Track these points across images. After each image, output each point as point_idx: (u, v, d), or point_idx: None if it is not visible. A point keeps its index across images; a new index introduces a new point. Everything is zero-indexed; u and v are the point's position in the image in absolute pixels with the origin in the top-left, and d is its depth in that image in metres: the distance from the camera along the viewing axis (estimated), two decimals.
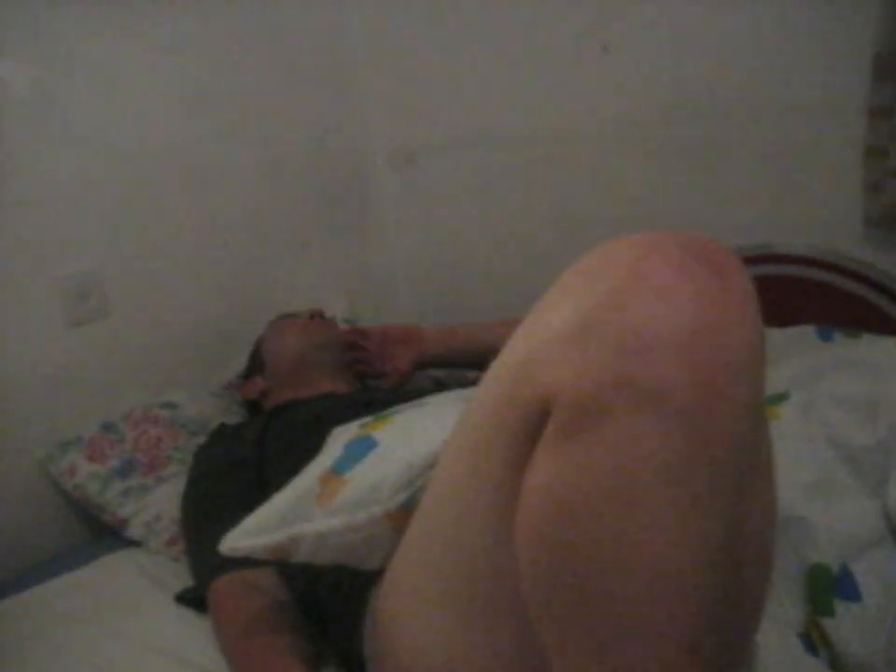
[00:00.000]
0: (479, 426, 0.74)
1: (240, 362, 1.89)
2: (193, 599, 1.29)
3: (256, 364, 1.75)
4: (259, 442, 1.42)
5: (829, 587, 0.86)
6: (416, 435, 0.98)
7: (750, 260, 1.67)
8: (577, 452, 0.62)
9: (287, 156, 2.05)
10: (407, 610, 0.87)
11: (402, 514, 0.91)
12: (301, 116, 2.07)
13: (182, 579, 1.39)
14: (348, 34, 2.14)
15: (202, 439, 1.64)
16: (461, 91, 2.04)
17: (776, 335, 1.41)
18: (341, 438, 1.04)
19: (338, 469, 0.97)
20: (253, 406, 1.74)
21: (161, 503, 1.54)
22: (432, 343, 1.75)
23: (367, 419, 1.08)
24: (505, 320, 1.65)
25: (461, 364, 1.76)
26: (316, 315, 1.74)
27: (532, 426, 0.66)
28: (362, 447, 0.99)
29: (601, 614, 0.63)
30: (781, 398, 1.07)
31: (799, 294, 1.64)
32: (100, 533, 1.63)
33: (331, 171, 2.16)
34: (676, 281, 0.61)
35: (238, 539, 0.99)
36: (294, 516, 0.96)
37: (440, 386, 1.77)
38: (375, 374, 1.76)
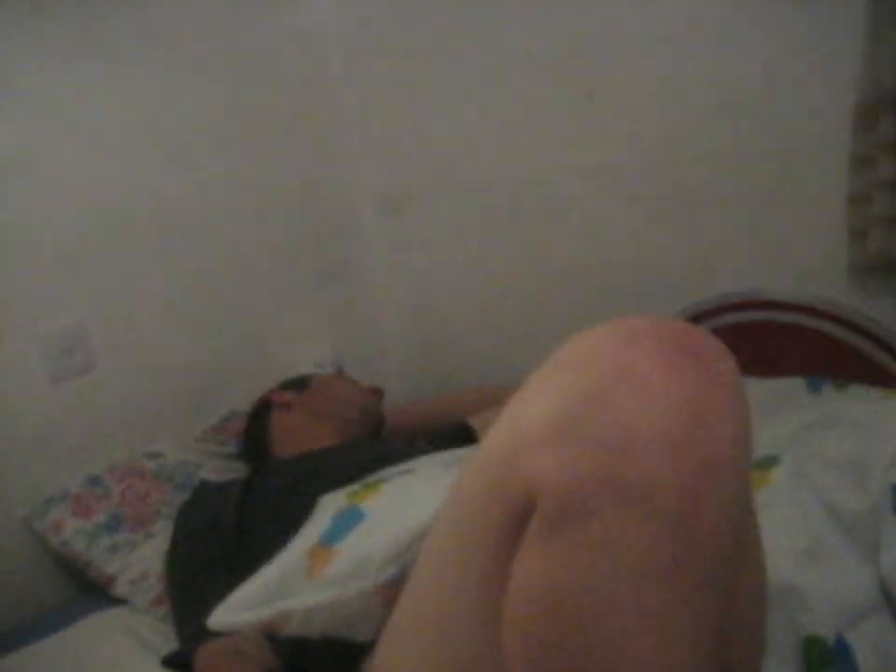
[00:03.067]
0: (463, 519, 0.73)
1: (221, 409, 1.91)
2: (180, 663, 1.27)
3: (298, 383, 1.80)
4: (240, 503, 1.41)
5: (825, 661, 0.85)
6: (403, 507, 0.99)
7: (737, 306, 1.68)
8: (562, 550, 0.61)
9: (272, 204, 2.04)
10: None
11: (390, 588, 0.92)
12: (286, 163, 2.06)
13: (169, 639, 1.37)
14: (332, 82, 2.14)
15: (188, 492, 1.63)
16: (446, 137, 2.03)
17: (764, 389, 1.41)
18: (329, 508, 1.04)
19: (326, 542, 0.98)
20: (253, 427, 1.76)
21: (147, 560, 1.52)
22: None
23: (354, 487, 1.08)
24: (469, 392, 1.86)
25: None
26: (377, 393, 1.82)
27: (517, 518, 0.65)
28: (350, 519, 1.00)
29: None
30: (772, 462, 1.06)
31: (786, 339, 1.65)
32: (86, 591, 1.61)
33: (317, 218, 2.15)
34: (659, 375, 0.60)
35: (225, 615, 0.98)
36: (283, 590, 0.96)
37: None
38: None
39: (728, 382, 0.62)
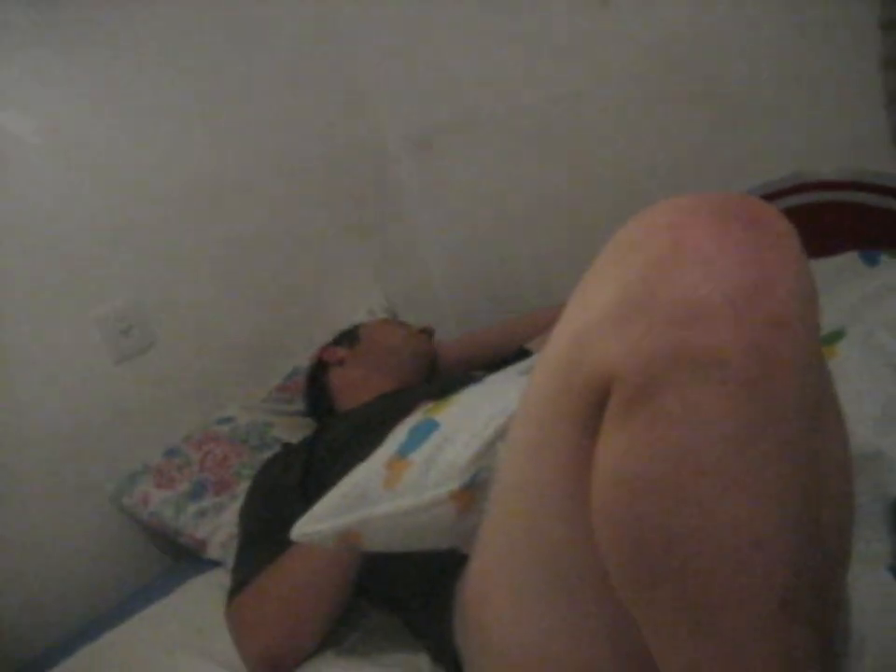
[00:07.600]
0: (539, 417, 0.74)
1: (285, 367, 1.94)
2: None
3: (347, 338, 1.81)
4: (306, 459, 1.43)
5: None
6: (475, 414, 0.98)
7: (783, 192, 1.65)
8: (642, 427, 0.62)
9: (305, 163, 2.06)
10: (496, 595, 0.87)
11: (466, 494, 0.91)
12: (311, 120, 2.08)
13: None
14: (344, 29, 2.13)
15: (264, 452, 1.67)
16: (465, 66, 2.01)
17: (820, 266, 1.38)
18: (406, 424, 1.05)
19: (402, 452, 0.98)
20: (313, 387, 1.78)
21: (234, 522, 1.55)
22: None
23: (429, 405, 1.09)
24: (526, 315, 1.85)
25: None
26: (426, 332, 1.82)
27: (592, 408, 0.66)
28: (424, 430, 1.00)
29: (687, 585, 0.62)
30: (837, 336, 1.05)
31: (836, 218, 1.62)
32: (179, 558, 1.67)
33: (350, 169, 2.16)
34: (717, 245, 0.60)
35: (308, 525, 0.99)
36: (362, 500, 0.96)
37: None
38: None
39: (786, 242, 0.61)
